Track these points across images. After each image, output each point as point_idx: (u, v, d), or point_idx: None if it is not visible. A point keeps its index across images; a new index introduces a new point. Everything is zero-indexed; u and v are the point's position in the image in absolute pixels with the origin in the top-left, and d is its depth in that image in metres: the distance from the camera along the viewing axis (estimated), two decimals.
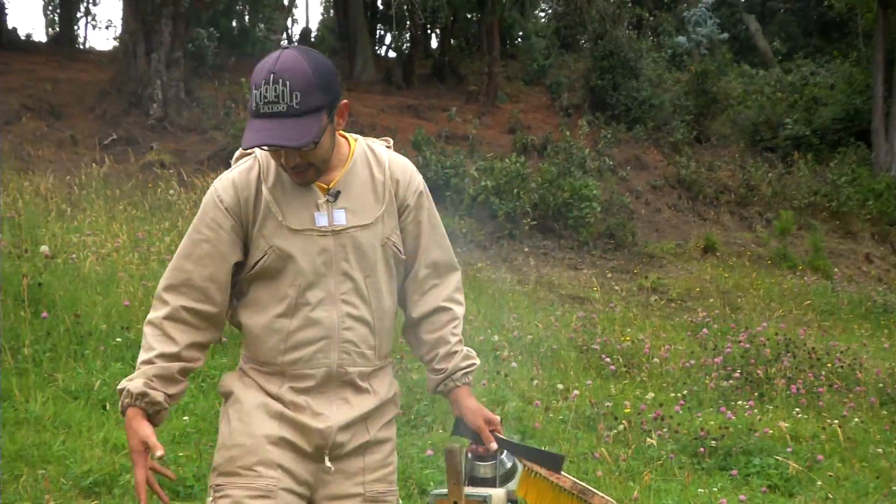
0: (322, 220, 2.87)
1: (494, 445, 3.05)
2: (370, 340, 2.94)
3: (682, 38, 28.92)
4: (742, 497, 6.16)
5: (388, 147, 3.12)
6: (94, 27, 45.23)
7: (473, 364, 3.12)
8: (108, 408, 6.54)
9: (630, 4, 27.09)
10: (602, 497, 3.11)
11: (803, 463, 7.19)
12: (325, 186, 2.90)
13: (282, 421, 2.86)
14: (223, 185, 2.91)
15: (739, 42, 32.28)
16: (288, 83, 2.70)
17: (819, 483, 6.82)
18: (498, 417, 3.09)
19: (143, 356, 2.83)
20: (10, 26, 29.45)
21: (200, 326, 2.89)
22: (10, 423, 6.04)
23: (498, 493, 3.01)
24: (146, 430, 2.76)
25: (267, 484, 2.81)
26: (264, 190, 2.88)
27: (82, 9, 33.79)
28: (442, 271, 3.14)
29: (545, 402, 8.11)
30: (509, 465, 3.10)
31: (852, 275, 20.46)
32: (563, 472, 3.14)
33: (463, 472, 3.02)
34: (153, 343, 2.83)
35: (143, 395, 2.76)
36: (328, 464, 2.88)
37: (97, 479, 5.36)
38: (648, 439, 7.33)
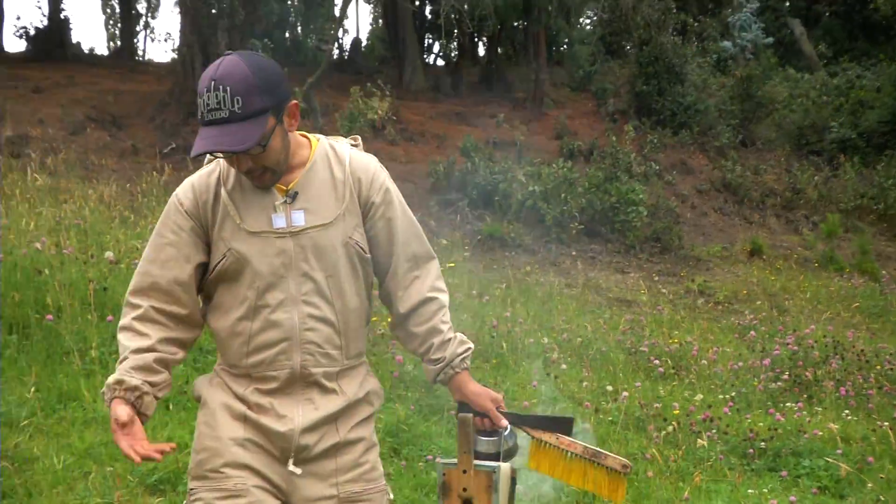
0: (279, 222, 2.86)
1: (505, 423, 3.07)
2: (335, 340, 2.93)
3: (727, 43, 28.76)
4: (792, 498, 6.15)
5: (354, 145, 3.13)
6: (152, 40, 45.80)
7: (469, 348, 3.11)
8: (170, 408, 6.61)
9: (675, 10, 26.89)
10: (615, 458, 3.12)
11: (853, 465, 7.16)
12: (284, 188, 2.90)
13: (246, 423, 2.88)
14: (184, 189, 2.94)
15: (784, 46, 32.03)
16: (228, 89, 2.70)
17: (870, 485, 6.78)
18: (501, 394, 3.10)
19: (119, 359, 2.84)
20: (74, 40, 29.80)
21: (172, 326, 2.90)
22: (78, 422, 6.15)
23: (504, 466, 3.02)
24: (124, 411, 2.73)
25: (235, 484, 2.83)
26: (223, 193, 2.89)
27: (142, 23, 34.06)
28: (421, 262, 3.11)
29: (595, 404, 8.13)
30: (511, 443, 3.09)
31: None
32: (573, 438, 3.13)
33: (473, 441, 3.03)
34: (126, 343, 2.84)
35: (120, 381, 2.76)
36: (291, 467, 2.87)
37: (162, 476, 5.44)
38: (698, 440, 7.32)
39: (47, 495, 4.94)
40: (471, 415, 3.05)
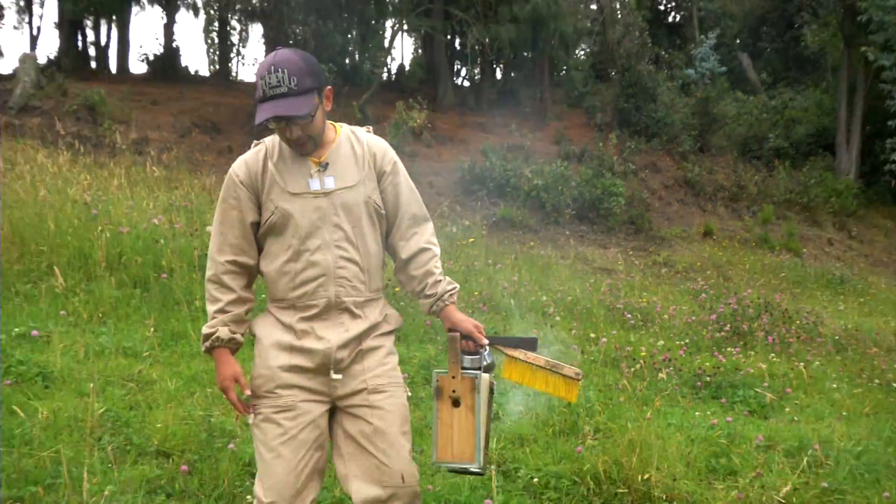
0: (315, 185, 2.97)
1: (486, 341, 3.12)
2: (361, 276, 3.02)
3: (690, 71, 28.59)
4: (728, 419, 6.19)
5: (368, 131, 3.20)
6: (243, 64, 45.92)
7: (456, 287, 3.20)
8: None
9: (650, 45, 26.78)
10: (570, 367, 3.20)
11: (776, 394, 7.19)
12: (317, 160, 3.00)
13: (292, 352, 2.96)
14: (238, 165, 3.05)
15: (734, 74, 31.81)
16: (286, 70, 2.85)
17: (787, 409, 6.82)
18: (481, 324, 3.16)
19: (214, 307, 2.99)
20: (183, 64, 29.92)
21: (243, 273, 3.03)
22: (186, 355, 6.25)
23: (484, 376, 3.09)
24: (237, 368, 2.96)
25: (286, 401, 2.93)
26: (270, 165, 3.00)
27: (235, 50, 34.13)
28: (419, 221, 3.19)
29: (581, 347, 8.18)
30: (490, 360, 3.13)
31: (817, 254, 20.24)
32: (538, 354, 3.20)
33: (460, 355, 3.10)
34: (218, 295, 2.99)
35: (231, 339, 2.96)
36: (334, 376, 2.95)
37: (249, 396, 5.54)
38: (659, 375, 7.36)
39: (163, 409, 5.03)
40: (458, 333, 3.11)
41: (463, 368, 3.10)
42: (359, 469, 2.97)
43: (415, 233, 3.18)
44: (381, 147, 3.15)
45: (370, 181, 3.07)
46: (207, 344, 2.97)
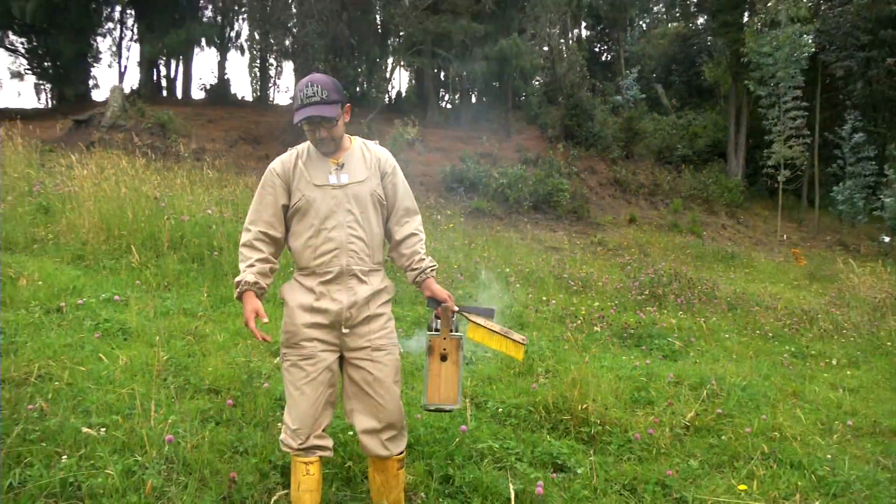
0: (333, 180, 3.04)
1: (456, 308, 3.19)
2: (366, 250, 3.07)
3: (618, 97, 28.57)
4: (647, 362, 6.18)
5: (375, 143, 3.25)
6: (278, 91, 45.90)
7: (435, 265, 3.25)
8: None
9: (588, 77, 26.76)
10: (518, 334, 3.29)
11: (683, 342, 7.20)
12: (336, 161, 3.06)
13: (312, 312, 3.00)
14: (275, 162, 3.11)
15: (651, 100, 31.84)
16: (319, 85, 2.96)
17: (691, 354, 6.84)
18: (453, 294, 3.24)
19: (244, 263, 3.02)
20: (232, 91, 29.84)
21: (272, 244, 3.06)
22: (232, 315, 6.12)
23: (458, 334, 3.17)
24: (258, 304, 2.98)
25: (308, 351, 3.00)
26: (300, 163, 3.06)
27: (272, 80, 34.01)
28: (410, 213, 3.24)
29: (535, 307, 8.16)
30: (457, 324, 3.19)
31: (714, 236, 20.30)
32: (493, 322, 3.29)
33: (451, 322, 3.17)
34: (249, 255, 3.02)
35: (256, 283, 2.99)
36: (344, 330, 3.01)
37: (277, 348, 5.47)
38: (595, 328, 7.36)
39: (214, 356, 4.97)
40: (448, 305, 3.17)
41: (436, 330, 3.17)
42: (361, 406, 3.06)
43: (406, 221, 3.22)
44: (384, 154, 3.21)
45: (375, 178, 3.11)
46: (238, 291, 3.00)
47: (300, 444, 2.98)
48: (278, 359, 5.14)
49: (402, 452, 3.14)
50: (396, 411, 3.07)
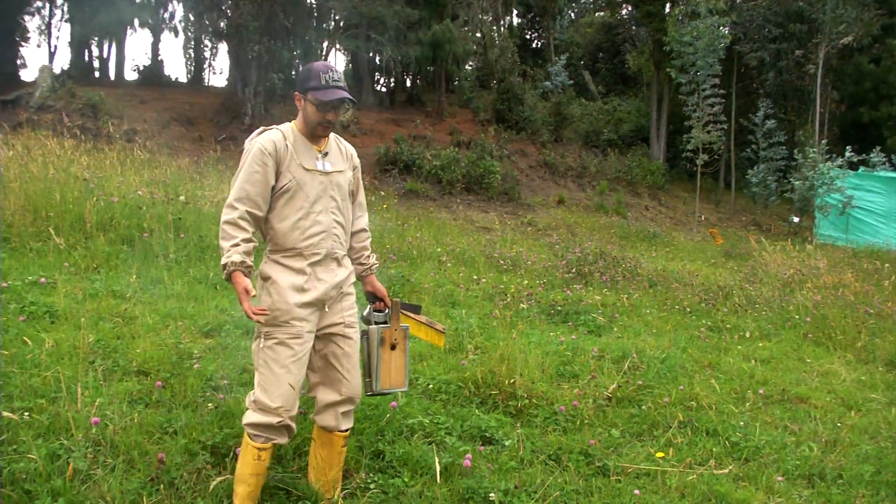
0: (320, 166, 3.05)
1: (389, 303, 3.32)
2: (343, 236, 3.14)
3: (548, 83, 28.68)
4: (573, 337, 6.25)
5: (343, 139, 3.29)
6: (213, 73, 44.59)
7: (378, 263, 3.43)
8: (217, 288, 6.48)
9: (519, 63, 26.84)
10: (439, 325, 3.56)
11: (607, 318, 7.30)
12: (320, 149, 3.08)
13: (303, 292, 2.99)
14: (265, 140, 3.01)
15: (579, 86, 32.14)
16: (340, 73, 3.05)
17: (615, 329, 6.93)
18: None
19: (229, 242, 2.89)
20: (166, 72, 29.00)
21: (254, 224, 2.98)
22: (162, 296, 5.98)
23: (404, 326, 3.34)
24: (248, 282, 2.87)
25: (297, 330, 2.97)
26: (289, 146, 3.01)
27: (207, 62, 33.17)
28: (364, 208, 3.37)
29: (466, 286, 8.15)
30: (388, 316, 3.31)
31: (637, 217, 20.66)
32: (421, 315, 3.51)
33: (398, 315, 3.34)
34: (234, 233, 2.91)
35: (242, 262, 2.88)
36: (326, 310, 3.06)
37: (213, 327, 5.33)
38: (522, 305, 7.39)
39: (143, 338, 4.81)
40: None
41: (375, 322, 3.30)
42: (325, 379, 3.12)
43: (360, 215, 3.33)
44: (353, 150, 3.29)
45: (349, 171, 3.19)
46: (226, 272, 2.89)
47: (279, 421, 2.94)
48: (209, 341, 5.04)
49: (348, 429, 3.21)
50: (357, 387, 3.16)
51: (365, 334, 3.27)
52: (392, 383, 3.30)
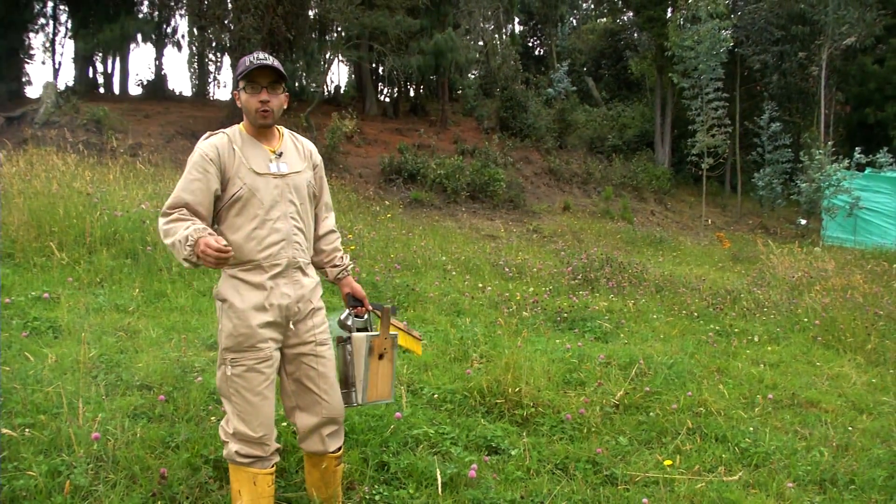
0: (274, 168, 2.81)
1: (370, 307, 3.17)
2: (305, 243, 2.91)
3: (551, 90, 28.74)
4: (579, 344, 6.20)
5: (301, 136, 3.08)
6: (218, 86, 44.79)
7: (351, 264, 3.23)
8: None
9: (521, 70, 26.89)
10: (415, 332, 3.43)
11: (613, 324, 7.24)
12: (273, 150, 2.85)
13: (265, 310, 2.77)
14: (207, 145, 2.78)
15: (582, 92, 32.19)
16: (271, 56, 2.79)
17: (621, 335, 6.87)
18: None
19: (181, 225, 2.57)
20: (170, 87, 29.17)
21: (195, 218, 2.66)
22: (166, 309, 5.97)
23: (393, 334, 3.19)
24: (212, 237, 2.48)
25: (265, 353, 2.77)
26: (237, 149, 2.78)
27: (211, 76, 33.37)
28: (329, 208, 3.13)
29: (471, 294, 8.10)
30: (369, 320, 3.19)
31: (643, 222, 20.62)
32: (395, 319, 3.31)
33: (388, 324, 3.18)
34: (182, 218, 2.61)
35: (205, 229, 2.52)
36: (291, 327, 2.84)
37: (216, 340, 5.29)
38: (525, 313, 7.35)
39: (146, 352, 4.79)
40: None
41: (346, 328, 3.12)
42: (303, 403, 2.92)
43: (326, 216, 3.11)
44: (312, 147, 3.06)
45: (309, 171, 2.95)
46: (189, 245, 2.50)
47: (270, 451, 2.80)
48: (213, 353, 5.01)
49: (339, 448, 3.03)
50: (338, 406, 2.95)
51: (345, 342, 3.08)
52: (378, 394, 3.13)
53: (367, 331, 3.15)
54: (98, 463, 3.30)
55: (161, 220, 2.67)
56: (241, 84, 2.78)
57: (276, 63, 2.77)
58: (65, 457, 3.27)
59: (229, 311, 2.76)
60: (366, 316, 3.16)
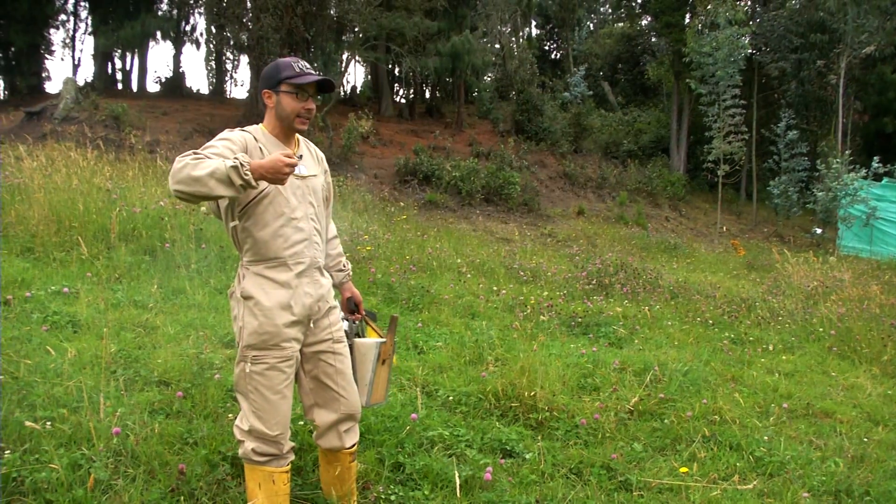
0: (297, 170, 2.75)
1: (363, 314, 3.28)
2: (322, 244, 2.95)
3: (567, 94, 28.71)
4: (594, 349, 6.20)
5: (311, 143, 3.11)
6: (235, 84, 45.02)
7: (351, 269, 3.29)
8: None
9: (538, 74, 26.86)
10: (392, 339, 3.37)
11: (628, 330, 7.23)
12: (294, 152, 2.85)
13: (291, 309, 2.78)
14: (237, 134, 2.73)
15: (598, 97, 32.14)
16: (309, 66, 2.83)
17: (636, 341, 6.86)
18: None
19: (218, 163, 2.41)
20: (188, 84, 29.32)
21: None
22: (184, 306, 6.00)
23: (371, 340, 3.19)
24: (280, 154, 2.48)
25: (289, 352, 2.79)
26: (261, 148, 2.75)
27: (229, 74, 33.50)
28: (332, 214, 3.18)
29: (486, 297, 8.12)
30: (358, 328, 3.26)
31: (658, 228, 20.55)
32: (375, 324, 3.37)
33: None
34: (210, 162, 2.42)
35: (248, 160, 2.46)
36: (312, 325, 2.87)
37: (234, 337, 5.32)
38: (542, 317, 7.35)
39: (164, 348, 4.82)
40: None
41: (354, 334, 3.22)
42: (322, 400, 2.95)
43: (330, 222, 3.17)
44: (322, 154, 3.10)
45: (322, 175, 3.00)
46: (243, 171, 2.40)
47: (286, 450, 2.82)
48: (231, 351, 5.04)
49: (354, 445, 3.06)
50: (356, 402, 2.99)
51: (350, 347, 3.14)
52: (377, 398, 3.20)
53: (359, 336, 3.23)
54: (118, 457, 3.33)
55: (183, 159, 2.45)
56: (285, 87, 2.75)
57: (330, 81, 2.81)
58: (85, 450, 3.31)
59: (255, 310, 2.75)
60: (358, 323, 3.23)
